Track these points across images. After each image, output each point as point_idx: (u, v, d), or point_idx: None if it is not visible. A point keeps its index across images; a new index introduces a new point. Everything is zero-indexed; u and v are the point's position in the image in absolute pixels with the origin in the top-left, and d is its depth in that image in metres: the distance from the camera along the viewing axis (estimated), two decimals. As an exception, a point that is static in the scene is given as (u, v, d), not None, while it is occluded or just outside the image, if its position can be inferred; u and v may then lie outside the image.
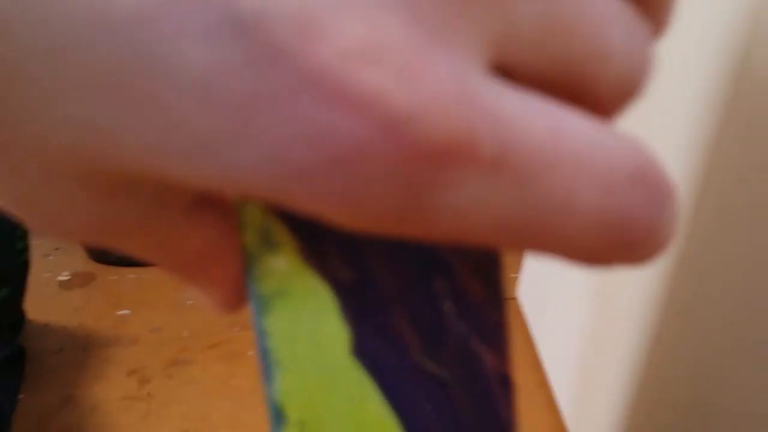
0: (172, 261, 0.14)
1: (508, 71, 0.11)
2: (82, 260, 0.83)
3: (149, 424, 0.53)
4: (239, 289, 0.16)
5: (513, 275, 0.65)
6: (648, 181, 0.11)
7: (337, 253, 0.15)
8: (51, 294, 0.74)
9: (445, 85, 0.09)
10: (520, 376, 0.52)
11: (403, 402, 0.16)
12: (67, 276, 0.79)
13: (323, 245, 0.15)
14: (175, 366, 0.60)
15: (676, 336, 0.36)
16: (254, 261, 0.15)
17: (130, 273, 0.78)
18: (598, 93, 0.12)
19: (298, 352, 0.15)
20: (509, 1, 0.10)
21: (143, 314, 0.69)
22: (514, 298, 0.62)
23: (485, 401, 0.16)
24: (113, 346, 0.64)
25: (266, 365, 0.15)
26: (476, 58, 0.10)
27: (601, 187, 0.11)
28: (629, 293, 0.40)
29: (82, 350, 0.63)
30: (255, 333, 0.15)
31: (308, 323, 0.15)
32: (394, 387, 0.15)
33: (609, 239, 0.11)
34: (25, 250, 0.59)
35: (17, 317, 0.62)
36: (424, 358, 0.15)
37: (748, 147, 0.32)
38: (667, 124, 0.37)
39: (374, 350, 0.15)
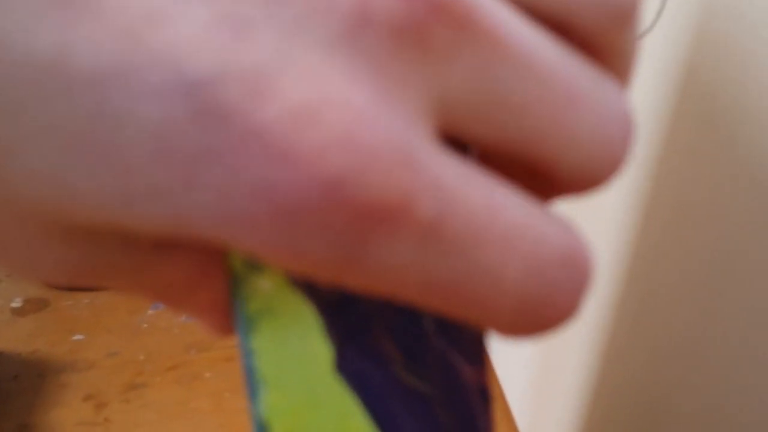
0: (154, 293, 0.15)
1: (463, 139, 0.12)
2: (35, 286, 0.82)
3: (107, 449, 0.52)
4: (229, 313, 0.17)
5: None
6: (573, 265, 0.12)
7: None
8: (4, 321, 0.73)
9: (385, 147, 0.10)
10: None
11: (386, 417, 0.16)
12: (19, 302, 0.78)
13: None
14: (132, 390, 0.60)
15: (628, 341, 0.37)
16: (240, 282, 0.15)
17: (84, 298, 0.78)
18: (557, 176, 0.12)
19: (283, 370, 0.15)
20: (443, 68, 0.11)
21: (99, 339, 0.68)
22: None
23: (465, 413, 0.17)
24: (69, 371, 0.63)
25: (252, 383, 0.16)
26: (420, 122, 0.11)
27: (528, 265, 0.11)
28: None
29: (37, 377, 0.63)
30: (241, 352, 0.16)
31: (293, 342, 0.15)
32: (377, 403, 0.16)
33: (527, 314, 0.12)
34: (-24, 278, 0.58)
35: (-30, 346, 0.61)
36: (405, 373, 0.16)
37: (700, 144, 0.33)
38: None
39: (357, 367, 0.16)
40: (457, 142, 0.14)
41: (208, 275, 0.16)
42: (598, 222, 0.38)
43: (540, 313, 0.11)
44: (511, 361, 0.50)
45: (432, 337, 0.16)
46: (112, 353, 0.65)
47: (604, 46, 0.12)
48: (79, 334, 0.70)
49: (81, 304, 0.77)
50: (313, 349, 0.15)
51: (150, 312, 0.72)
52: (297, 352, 0.15)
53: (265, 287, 0.15)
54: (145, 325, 0.69)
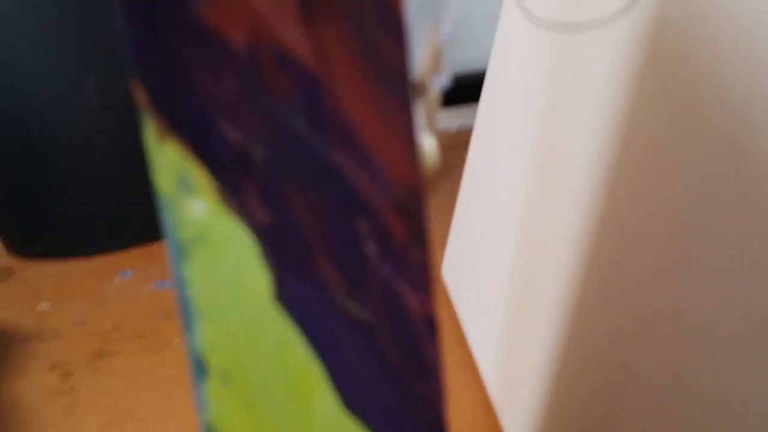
0: None
1: None
2: (0, 255, 0.81)
3: (73, 418, 0.52)
4: None
5: (437, 254, 0.66)
6: None
7: (257, 193, 0.15)
8: (-32, 290, 0.72)
9: None
10: (445, 354, 0.53)
11: (326, 347, 0.16)
12: (-16, 271, 0.77)
13: (243, 186, 0.15)
14: (99, 359, 0.59)
15: (597, 305, 0.37)
16: (171, 206, 0.15)
17: (50, 266, 0.77)
18: None
19: (219, 300, 0.15)
20: None
21: (65, 307, 0.68)
22: (438, 279, 0.62)
23: (410, 343, 0.16)
24: (35, 340, 0.62)
25: (187, 316, 0.15)
26: None
27: None
28: (550, 268, 0.41)
29: (2, 346, 0.62)
30: (174, 282, 0.15)
31: (229, 270, 0.15)
32: (317, 332, 0.16)
33: None
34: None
35: (-68, 315, 0.60)
36: (347, 302, 0.16)
37: (667, 102, 0.32)
38: (582, 87, 0.38)
39: (297, 295, 0.15)
40: None
41: None
42: (565, 181, 0.37)
43: None
44: (481, 325, 0.50)
45: (376, 261, 0.16)
46: (78, 322, 0.65)
47: None
48: (45, 303, 0.69)
49: (47, 272, 0.75)
50: (250, 276, 0.15)
51: (117, 280, 0.71)
52: (233, 280, 0.15)
53: (199, 211, 0.15)
54: (113, 293, 0.69)
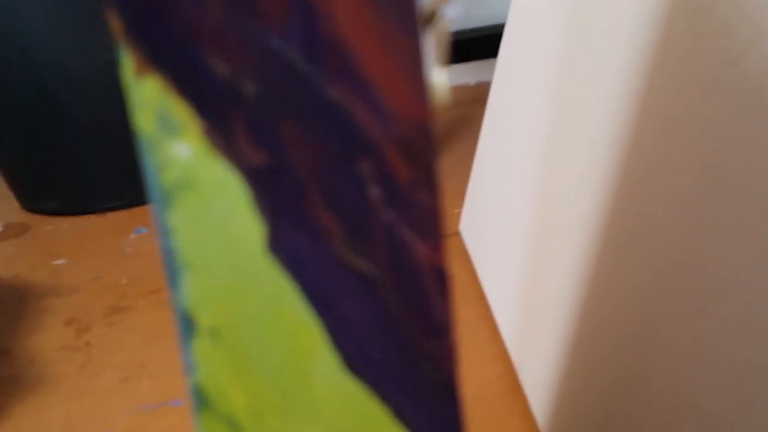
0: None
1: None
2: (16, 211, 0.81)
3: (89, 373, 0.51)
4: None
5: (455, 210, 0.65)
6: None
7: (248, 133, 0.14)
8: (-17, 246, 0.72)
9: None
10: (464, 309, 0.52)
11: (325, 302, 0.14)
12: (0, 227, 0.76)
13: (232, 124, 0.14)
14: (114, 314, 0.59)
15: (616, 264, 0.36)
16: (152, 148, 0.14)
17: (66, 222, 0.76)
18: None
19: (207, 251, 0.14)
20: None
21: (81, 263, 0.67)
22: (457, 233, 0.61)
23: (417, 297, 0.15)
24: (50, 296, 0.62)
25: (172, 269, 0.14)
26: None
27: None
28: (570, 223, 0.40)
29: (18, 302, 0.62)
30: (158, 231, 0.14)
31: (218, 217, 0.14)
32: (314, 285, 0.14)
33: None
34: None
35: (-53, 270, 0.60)
36: (348, 252, 0.14)
37: (695, 56, 0.31)
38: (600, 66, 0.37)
39: (292, 244, 0.14)
40: None
41: None
42: (586, 133, 0.36)
43: None
44: (499, 280, 0.49)
45: (380, 208, 0.14)
46: (94, 277, 0.64)
47: None
48: (61, 259, 0.68)
49: (62, 228, 0.75)
50: (241, 225, 0.14)
51: (133, 236, 0.71)
52: (223, 229, 0.14)
53: (183, 153, 0.14)
54: (129, 249, 0.68)
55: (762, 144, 0.27)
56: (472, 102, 0.93)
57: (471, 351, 0.48)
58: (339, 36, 0.14)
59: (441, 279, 0.15)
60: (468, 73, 0.98)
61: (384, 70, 0.14)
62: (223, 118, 0.14)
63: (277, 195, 0.14)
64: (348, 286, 0.15)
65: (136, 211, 0.77)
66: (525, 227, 0.47)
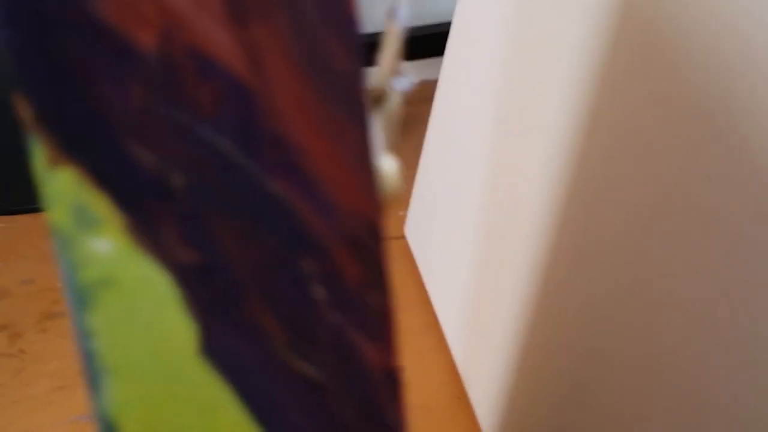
0: None
1: None
2: (-56, 209, 0.78)
3: (22, 381, 0.50)
4: None
5: (400, 213, 0.64)
6: None
7: (177, 229, 0.13)
8: None
9: None
10: (410, 316, 0.51)
11: (266, 409, 0.13)
12: (-73, 227, 0.74)
13: (158, 219, 0.13)
14: (48, 320, 0.57)
15: (565, 278, 0.36)
16: (69, 244, 0.12)
17: (-2, 222, 0.74)
18: None
19: (132, 354, 0.12)
20: None
21: (13, 266, 0.65)
22: (401, 237, 0.61)
23: (367, 402, 0.14)
24: (-19, 300, 0.60)
25: (92, 372, 0.12)
26: None
27: None
28: (518, 234, 0.40)
29: (-54, 306, 0.59)
30: (76, 333, 0.13)
31: (144, 319, 0.12)
32: (254, 391, 0.13)
33: None
34: None
35: None
36: (291, 356, 0.13)
37: (639, 76, 0.31)
38: (554, 62, 0.36)
39: (229, 348, 0.13)
40: None
41: None
42: (537, 146, 0.36)
43: None
44: (446, 287, 0.49)
45: (324, 308, 0.13)
46: (27, 280, 0.62)
47: None
48: (-8, 261, 0.66)
49: (-6, 228, 0.73)
50: (170, 326, 0.13)
51: (68, 237, 0.69)
52: (150, 331, 0.13)
53: (104, 250, 0.12)
54: (63, 251, 0.66)
55: (711, 158, 0.27)
56: (418, 101, 0.92)
57: (416, 359, 0.48)
58: (279, 125, 0.13)
59: (393, 383, 0.14)
60: (413, 71, 0.97)
61: (329, 162, 0.13)
62: (148, 213, 0.13)
63: (210, 295, 0.13)
64: (292, 392, 0.13)
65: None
66: (473, 233, 0.46)
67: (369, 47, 0.81)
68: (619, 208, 0.32)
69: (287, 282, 0.13)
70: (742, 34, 0.26)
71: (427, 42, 0.93)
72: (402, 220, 0.63)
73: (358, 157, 0.13)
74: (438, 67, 0.95)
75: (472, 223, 0.46)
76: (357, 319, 0.14)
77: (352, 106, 0.13)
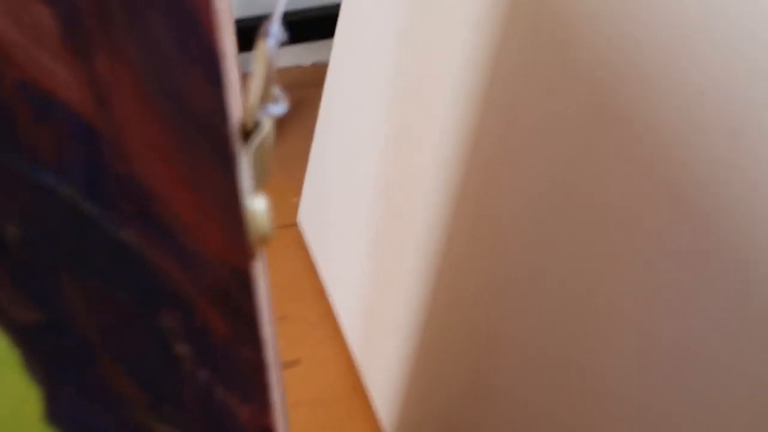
0: None
1: None
2: None
3: None
4: None
5: (293, 200, 0.62)
6: None
7: (12, 285, 0.11)
8: None
9: None
10: (305, 307, 0.50)
11: None
12: None
13: None
14: None
15: (460, 265, 0.35)
16: None
17: None
18: None
19: None
20: None
21: None
22: (294, 225, 0.59)
23: None
24: None
25: None
26: None
27: None
28: (413, 221, 0.39)
29: None
30: None
31: None
32: None
33: None
34: None
35: None
36: (152, 419, 0.12)
37: (527, 70, 0.30)
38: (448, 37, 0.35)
39: (78, 413, 0.11)
40: None
41: None
42: (430, 131, 0.35)
43: None
44: (341, 275, 0.47)
45: (189, 367, 0.12)
46: None
47: None
48: None
49: None
50: (12, 390, 0.11)
51: None
52: None
53: None
54: None
55: (597, 145, 0.27)
56: (308, 85, 0.90)
57: (310, 351, 0.46)
58: (130, 170, 0.12)
59: None
60: (303, 54, 0.95)
61: (190, 209, 0.12)
62: None
63: (54, 356, 0.11)
64: None
65: None
66: (367, 220, 0.45)
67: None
68: (512, 196, 0.31)
69: (145, 339, 0.12)
70: (631, 23, 0.25)
71: (319, 24, 0.91)
72: (295, 208, 0.61)
73: (224, 203, 0.12)
74: (329, 50, 0.94)
75: (367, 210, 0.45)
76: (227, 377, 0.12)
77: (216, 148, 0.12)
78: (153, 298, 0.11)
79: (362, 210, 0.45)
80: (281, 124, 0.78)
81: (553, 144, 0.29)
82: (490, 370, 0.34)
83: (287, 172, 0.66)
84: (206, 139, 0.12)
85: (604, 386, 0.28)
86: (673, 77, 0.24)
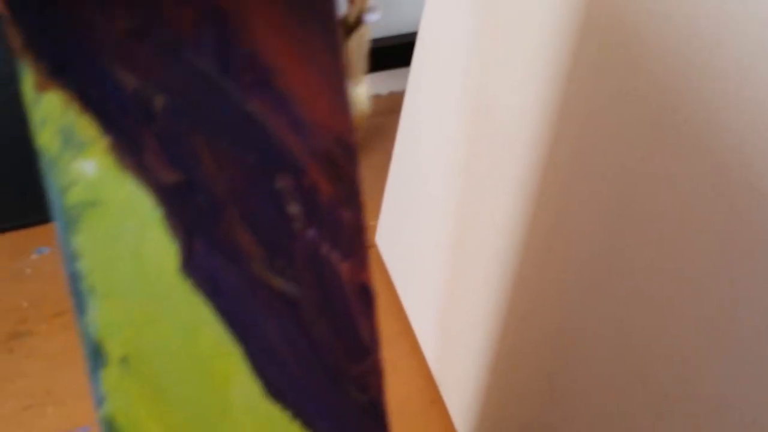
0: None
1: None
2: None
3: (-12, 402, 0.49)
4: None
5: (372, 222, 0.64)
6: None
7: (159, 149, 0.13)
8: None
9: None
10: (383, 324, 0.51)
11: (244, 325, 0.14)
12: None
13: (141, 140, 0.13)
14: (14, 339, 0.56)
15: (534, 277, 0.36)
16: (56, 167, 0.13)
17: (-39, 243, 0.73)
18: None
19: (116, 274, 0.13)
20: None
21: (-22, 286, 0.64)
22: (373, 245, 0.61)
23: (341, 318, 0.14)
24: (-55, 322, 0.59)
25: (78, 294, 0.13)
26: None
27: None
28: (487, 237, 0.40)
29: None
30: (63, 256, 0.13)
31: (127, 238, 0.13)
32: (233, 307, 0.13)
33: None
34: None
35: None
36: (268, 273, 0.13)
37: (602, 75, 0.31)
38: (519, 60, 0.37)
39: (208, 265, 0.13)
40: None
41: None
42: (505, 148, 0.36)
43: None
44: (418, 293, 0.49)
45: (301, 226, 0.14)
46: (-8, 301, 0.61)
47: None
48: (-44, 282, 0.65)
49: (-42, 250, 0.71)
50: (153, 245, 0.13)
51: (34, 256, 0.68)
52: (133, 250, 0.13)
53: (89, 171, 0.13)
54: (29, 270, 0.65)
55: (671, 150, 0.28)
56: (386, 112, 0.92)
57: (391, 365, 0.47)
58: (255, 47, 0.13)
59: (366, 298, 0.15)
60: (380, 82, 0.97)
61: (304, 83, 0.14)
62: (131, 134, 0.13)
63: (191, 214, 0.13)
64: (269, 308, 0.14)
65: (36, 231, 0.73)
66: (442, 238, 0.46)
67: None
68: (586, 205, 0.32)
69: (264, 199, 0.13)
70: (707, 31, 0.26)
71: (395, 52, 0.93)
72: (373, 230, 0.63)
73: (332, 78, 0.14)
74: (406, 78, 0.95)
75: (442, 229, 0.46)
76: (331, 236, 0.14)
77: (327, 31, 0.14)
78: (271, 162, 0.13)
79: (437, 227, 0.47)
80: (361, 149, 0.80)
81: (628, 150, 0.30)
82: (567, 378, 0.34)
83: (366, 195, 0.68)
84: (319, 24, 0.14)
85: (688, 391, 0.29)
86: (750, 82, 0.25)
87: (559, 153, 0.34)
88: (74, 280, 0.13)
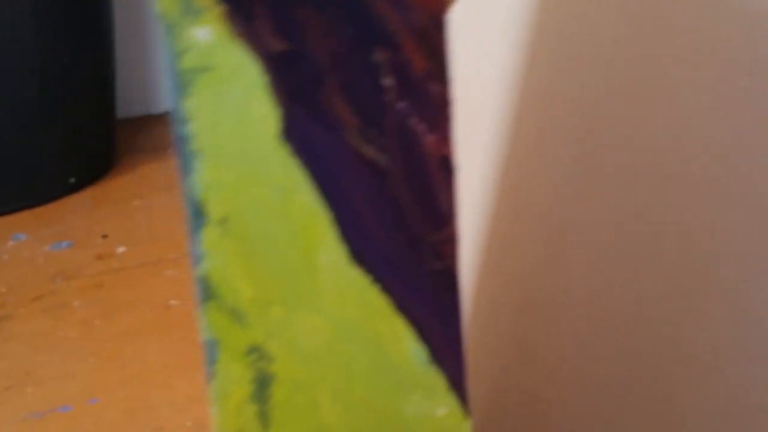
0: None
1: None
2: None
3: (-30, 383, 0.50)
4: None
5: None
6: None
7: (269, 18, 0.14)
8: None
9: None
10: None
11: (334, 191, 0.15)
12: None
13: (253, 9, 0.14)
14: (-6, 323, 0.57)
15: (507, 235, 0.36)
16: (173, 32, 0.13)
17: (-62, 230, 0.73)
18: None
19: (221, 138, 0.14)
20: None
21: (-45, 272, 0.65)
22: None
23: (424, 188, 0.15)
24: (-77, 307, 0.59)
25: (185, 156, 0.14)
26: None
27: None
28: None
29: None
30: (174, 118, 0.13)
31: (234, 103, 0.14)
32: (326, 174, 0.14)
33: None
34: None
35: None
36: (360, 141, 0.14)
37: (564, 43, 0.32)
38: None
39: (306, 132, 0.14)
40: None
41: None
42: (475, 113, 0.37)
43: None
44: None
45: (393, 98, 0.14)
46: (-30, 286, 0.62)
47: None
48: (-67, 269, 0.66)
49: (-66, 237, 0.72)
50: (257, 111, 0.14)
51: (10, 243, 0.68)
52: (238, 115, 0.14)
53: (204, 37, 0.13)
54: (6, 257, 0.66)
55: (634, 123, 0.28)
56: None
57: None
58: None
59: (448, 170, 0.16)
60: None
61: None
62: (244, 2, 0.13)
63: (294, 82, 0.14)
64: (358, 176, 0.15)
65: (13, 218, 0.74)
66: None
67: None
68: (554, 164, 0.33)
69: (361, 71, 0.14)
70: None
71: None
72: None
73: None
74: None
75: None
76: (420, 108, 0.15)
77: None
78: (370, 35, 0.14)
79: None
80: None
81: (582, 130, 0.31)
82: (539, 335, 0.35)
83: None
84: None
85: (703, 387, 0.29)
86: None
87: (528, 117, 0.34)
88: (183, 142, 0.13)
